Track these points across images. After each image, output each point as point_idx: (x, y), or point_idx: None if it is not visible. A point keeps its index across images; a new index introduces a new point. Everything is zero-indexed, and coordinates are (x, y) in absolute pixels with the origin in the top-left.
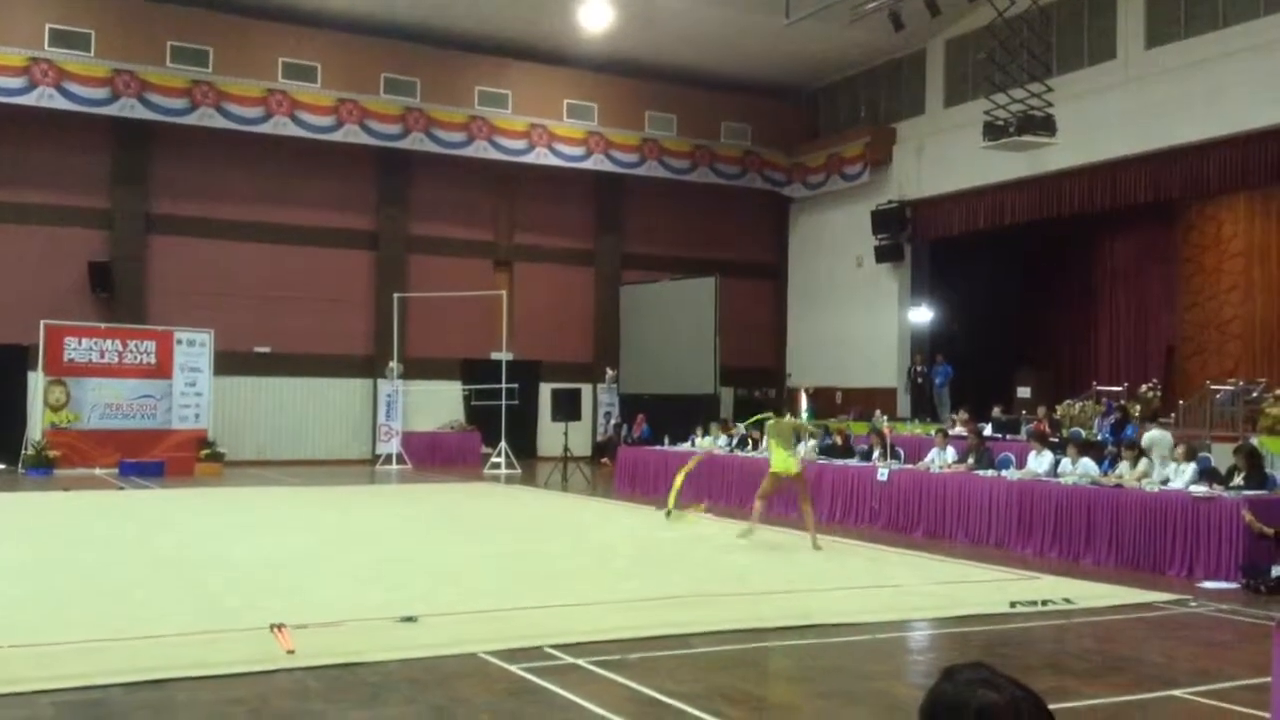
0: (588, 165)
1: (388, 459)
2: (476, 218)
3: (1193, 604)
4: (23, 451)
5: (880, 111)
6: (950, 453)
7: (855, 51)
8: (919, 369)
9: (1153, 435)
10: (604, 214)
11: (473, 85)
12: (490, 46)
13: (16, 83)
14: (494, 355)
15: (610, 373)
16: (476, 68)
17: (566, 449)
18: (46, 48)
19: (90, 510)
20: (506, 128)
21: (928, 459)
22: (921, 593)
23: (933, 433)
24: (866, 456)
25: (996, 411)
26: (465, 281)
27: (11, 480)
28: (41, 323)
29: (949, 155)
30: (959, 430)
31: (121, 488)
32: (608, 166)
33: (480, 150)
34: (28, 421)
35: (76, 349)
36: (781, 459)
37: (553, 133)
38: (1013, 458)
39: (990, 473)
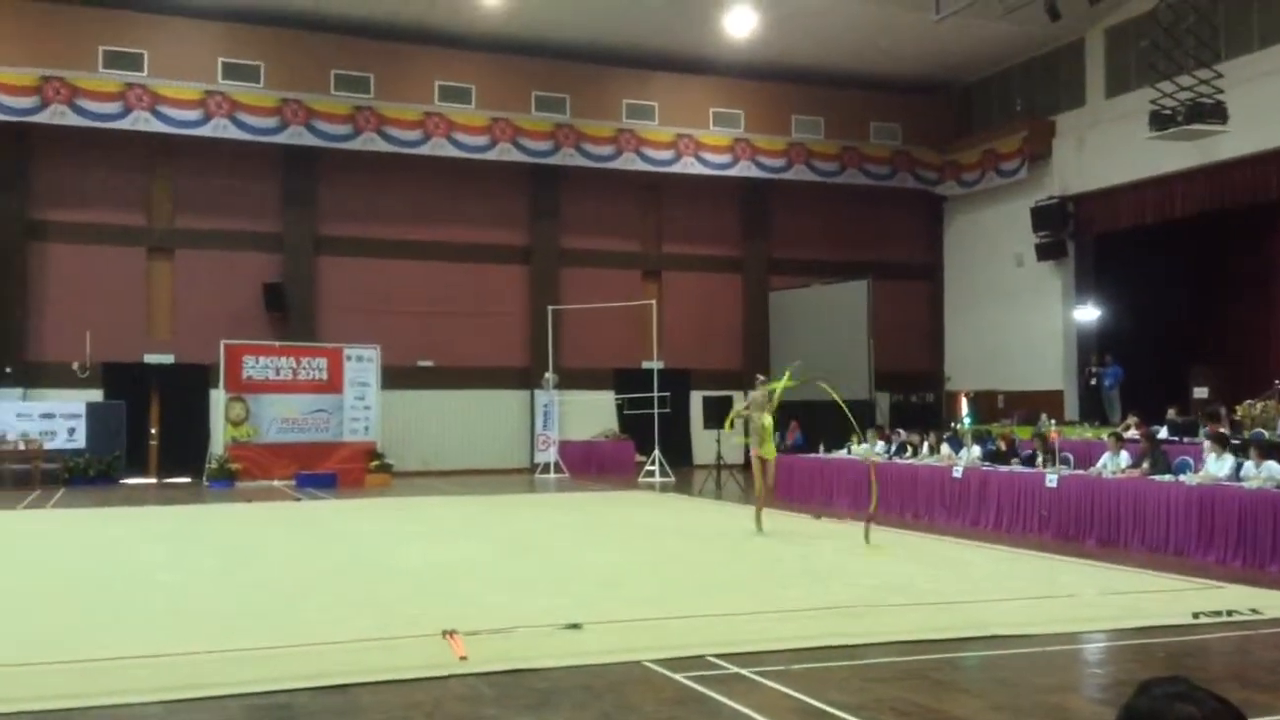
0: (734, 172)
1: (545, 468)
2: (625, 229)
3: None
4: (206, 465)
5: (1037, 104)
6: (1124, 457)
7: (1008, 44)
8: (1093, 370)
9: None
10: (751, 220)
11: (620, 98)
12: (636, 59)
13: (194, 115)
14: (645, 364)
15: (761, 379)
16: (623, 81)
17: (719, 457)
18: (220, 80)
19: (271, 521)
20: (653, 139)
21: (1099, 464)
22: (1096, 603)
23: (1104, 436)
24: (1031, 462)
25: (1171, 413)
26: (615, 292)
27: (196, 493)
28: (221, 342)
29: (1112, 147)
30: (1132, 434)
31: (298, 499)
32: (754, 172)
33: (628, 162)
34: (210, 436)
35: (254, 367)
36: (770, 446)
37: (699, 141)
38: (1191, 461)
39: (1167, 478)
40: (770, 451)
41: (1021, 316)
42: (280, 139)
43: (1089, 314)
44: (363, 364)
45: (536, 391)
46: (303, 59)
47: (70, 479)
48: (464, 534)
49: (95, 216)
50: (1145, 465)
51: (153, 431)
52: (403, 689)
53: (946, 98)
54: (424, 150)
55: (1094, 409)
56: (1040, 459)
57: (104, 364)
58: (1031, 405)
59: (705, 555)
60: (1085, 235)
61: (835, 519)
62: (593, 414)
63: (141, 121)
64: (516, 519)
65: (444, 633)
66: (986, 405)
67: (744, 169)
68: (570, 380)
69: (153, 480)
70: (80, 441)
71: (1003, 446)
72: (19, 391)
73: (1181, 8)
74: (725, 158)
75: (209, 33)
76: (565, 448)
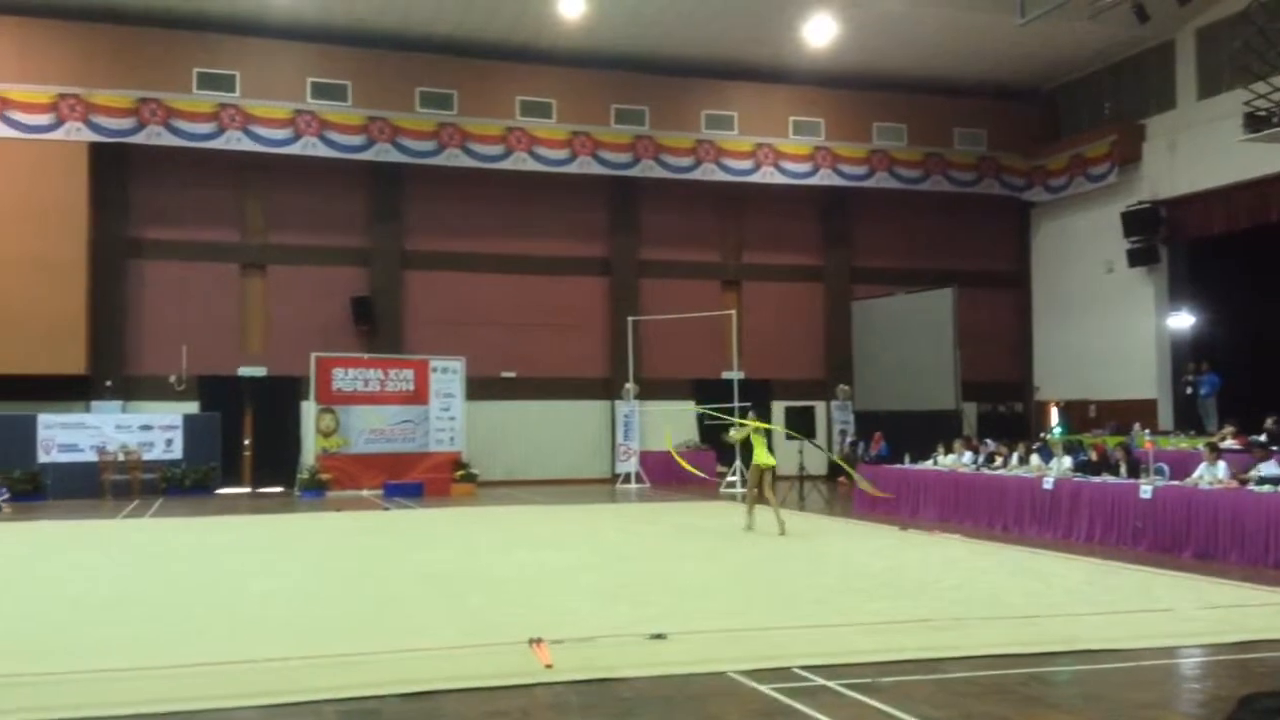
0: (815, 181)
1: (626, 478)
2: (704, 239)
3: None
4: (298, 475)
5: (1126, 108)
6: (1221, 468)
7: (1095, 47)
8: (1189, 378)
9: None
10: (832, 229)
11: (699, 109)
12: (714, 70)
13: (284, 134)
14: (725, 375)
15: (843, 389)
16: (702, 92)
17: (802, 467)
18: (309, 100)
19: (360, 530)
20: (732, 149)
21: (1196, 474)
22: (1194, 617)
23: (1200, 446)
24: (1119, 471)
25: (1269, 422)
26: (695, 302)
27: (288, 503)
28: (312, 355)
29: (1205, 150)
30: (1229, 443)
31: (386, 508)
32: (835, 181)
33: (707, 173)
34: (301, 447)
35: (343, 378)
36: (763, 454)
37: (779, 151)
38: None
39: (1267, 488)
40: (769, 460)
41: (1113, 324)
42: (367, 156)
43: (1183, 321)
44: (448, 375)
45: (617, 402)
46: (388, 77)
47: (167, 489)
48: (547, 543)
49: (191, 234)
50: (1245, 476)
51: (246, 443)
52: (489, 696)
53: (1032, 102)
54: (506, 165)
55: (1189, 418)
56: (1123, 468)
57: (200, 377)
58: (1124, 414)
59: (788, 566)
60: (1178, 241)
61: (922, 530)
62: (673, 424)
63: (234, 141)
64: (599, 528)
65: (529, 641)
66: (1078, 415)
67: (824, 177)
68: (650, 390)
69: (246, 490)
70: (177, 452)
71: (1095, 457)
72: (119, 404)
73: (1275, 6)
74: (805, 166)
75: (298, 53)
76: (646, 458)
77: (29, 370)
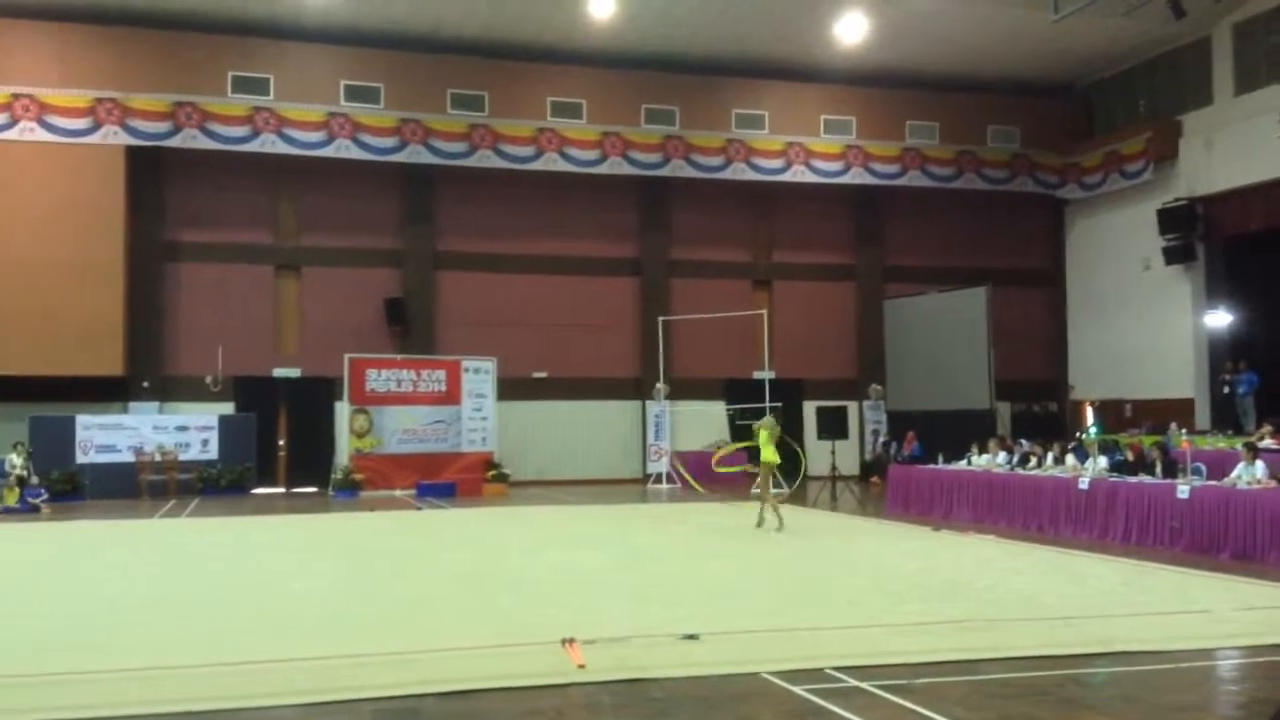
0: (846, 179)
1: (658, 478)
2: (734, 239)
3: None
4: (332, 475)
5: (1161, 104)
6: (1259, 468)
7: (1130, 43)
8: (1226, 377)
9: None
10: (863, 228)
11: (729, 108)
12: (745, 69)
13: (317, 136)
14: (756, 374)
15: (876, 389)
16: (732, 91)
17: (834, 468)
18: (342, 102)
19: (394, 530)
20: (763, 148)
21: (1234, 474)
22: (1232, 619)
23: (1238, 446)
24: (1153, 470)
25: None
26: (725, 302)
27: (322, 502)
28: (346, 356)
29: (1243, 146)
30: (1267, 443)
31: (419, 508)
32: (867, 179)
33: (738, 172)
34: (335, 447)
35: (376, 379)
36: (770, 453)
37: (810, 150)
38: None
39: None
40: (775, 458)
41: (1149, 322)
42: (399, 158)
43: (1221, 319)
44: (480, 376)
45: (648, 402)
46: (420, 79)
47: (203, 489)
48: (579, 543)
49: (225, 236)
50: None
51: (281, 443)
52: (524, 696)
53: (1066, 99)
54: (537, 165)
55: (1227, 417)
56: (1159, 468)
57: (235, 378)
58: (1161, 414)
59: (820, 567)
60: (1215, 238)
61: (955, 531)
62: (704, 424)
63: (268, 144)
64: (631, 528)
65: (563, 641)
66: (1113, 414)
67: (856, 176)
68: (681, 390)
69: (281, 490)
70: (213, 453)
71: (1131, 456)
72: (155, 405)
73: None
74: (837, 165)
75: (331, 56)
76: (688, 458)
77: (67, 371)
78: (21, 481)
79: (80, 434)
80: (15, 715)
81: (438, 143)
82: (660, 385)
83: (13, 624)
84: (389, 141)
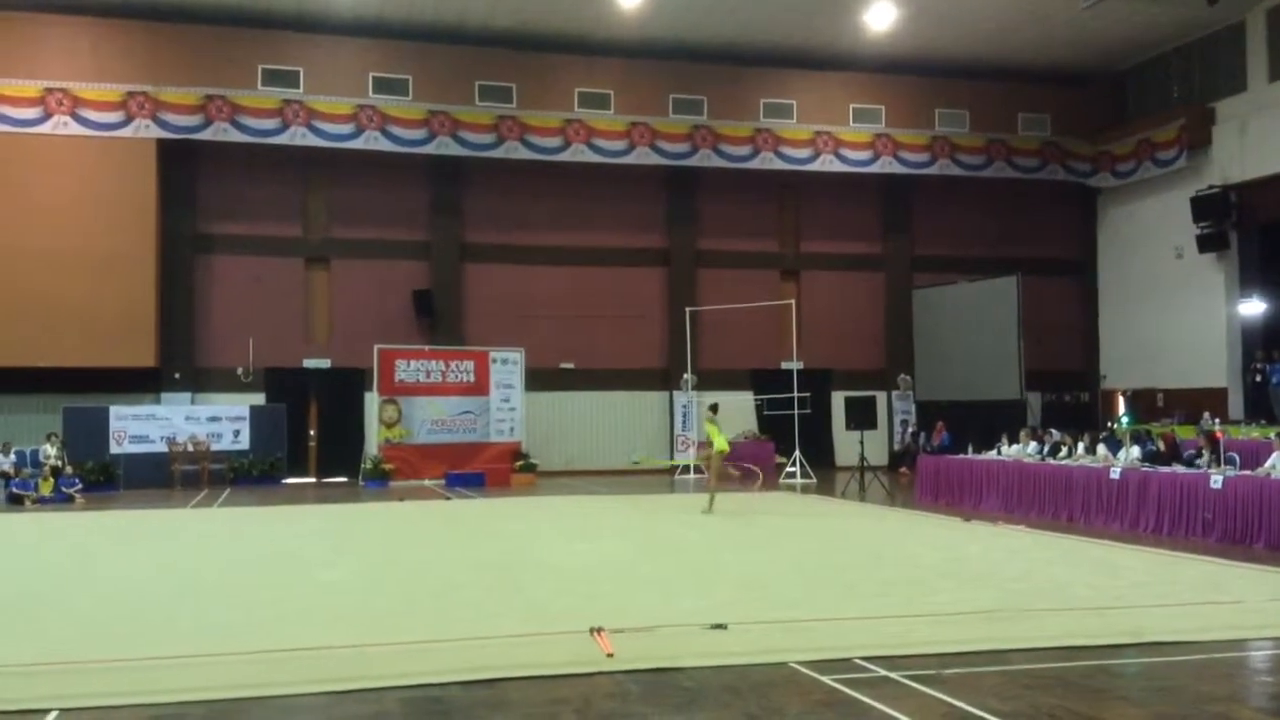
0: (875, 169)
1: (685, 468)
2: (762, 229)
3: None
4: (361, 465)
5: (1194, 91)
6: None
7: (1162, 29)
8: (1259, 365)
9: None
10: (892, 217)
11: (757, 98)
12: (772, 58)
13: (346, 129)
14: (784, 365)
15: (905, 379)
16: (760, 80)
17: (863, 458)
18: (370, 95)
19: (423, 520)
20: (791, 137)
21: (1268, 464)
22: (1266, 609)
23: (1271, 435)
24: (1193, 462)
25: None
26: (753, 293)
27: (353, 492)
28: (375, 347)
29: (1278, 132)
30: None
31: (448, 498)
32: (896, 168)
33: (766, 162)
34: (365, 437)
35: (406, 370)
36: (721, 441)
37: (838, 139)
38: None
39: None
40: (726, 446)
41: (1182, 311)
42: (428, 150)
43: (1254, 308)
44: (508, 366)
45: (675, 392)
46: (448, 72)
47: (235, 479)
48: (607, 533)
49: (256, 229)
50: None
51: (311, 433)
52: (550, 684)
53: (1098, 86)
54: (564, 156)
55: (1260, 407)
56: (1206, 458)
57: (266, 369)
58: (1193, 403)
59: (849, 557)
60: (1249, 225)
61: (985, 521)
62: (732, 415)
63: (298, 136)
64: (658, 518)
65: (590, 630)
66: (1145, 404)
67: (885, 165)
68: (709, 381)
69: (312, 480)
70: (244, 443)
71: (1163, 446)
72: (188, 396)
73: None
74: (865, 154)
75: (360, 49)
76: (703, 447)
77: (101, 363)
78: (56, 472)
79: (114, 424)
80: (43, 702)
81: (466, 134)
82: (688, 376)
83: (42, 611)
84: (417, 133)
